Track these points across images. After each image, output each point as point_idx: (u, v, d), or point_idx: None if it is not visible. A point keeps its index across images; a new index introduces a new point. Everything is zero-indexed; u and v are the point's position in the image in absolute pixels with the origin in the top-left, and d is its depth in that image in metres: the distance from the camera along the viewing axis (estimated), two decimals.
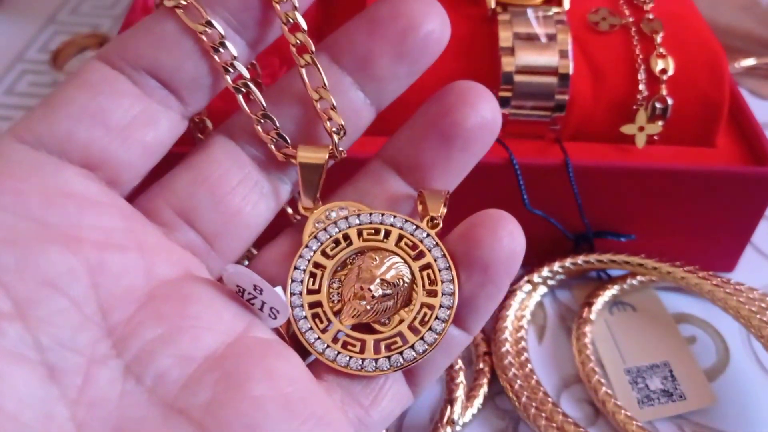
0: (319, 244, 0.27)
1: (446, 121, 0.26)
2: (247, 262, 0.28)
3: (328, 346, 0.26)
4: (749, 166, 0.41)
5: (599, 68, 0.40)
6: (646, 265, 0.41)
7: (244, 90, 0.26)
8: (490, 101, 0.26)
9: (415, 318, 0.26)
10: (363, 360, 0.25)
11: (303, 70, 0.26)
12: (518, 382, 0.37)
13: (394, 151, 0.28)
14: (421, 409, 0.37)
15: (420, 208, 0.27)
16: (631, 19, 0.41)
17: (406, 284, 0.26)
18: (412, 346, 0.25)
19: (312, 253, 0.26)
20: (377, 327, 0.26)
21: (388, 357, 0.25)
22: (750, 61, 0.59)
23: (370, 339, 0.26)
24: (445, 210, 0.27)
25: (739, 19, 0.65)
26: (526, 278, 0.42)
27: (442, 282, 0.26)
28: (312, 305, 0.26)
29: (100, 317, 0.22)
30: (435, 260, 0.26)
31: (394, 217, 0.27)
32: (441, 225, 0.27)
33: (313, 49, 0.25)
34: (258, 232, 0.27)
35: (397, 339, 0.26)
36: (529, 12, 0.40)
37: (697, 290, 0.40)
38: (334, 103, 0.26)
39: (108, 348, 0.22)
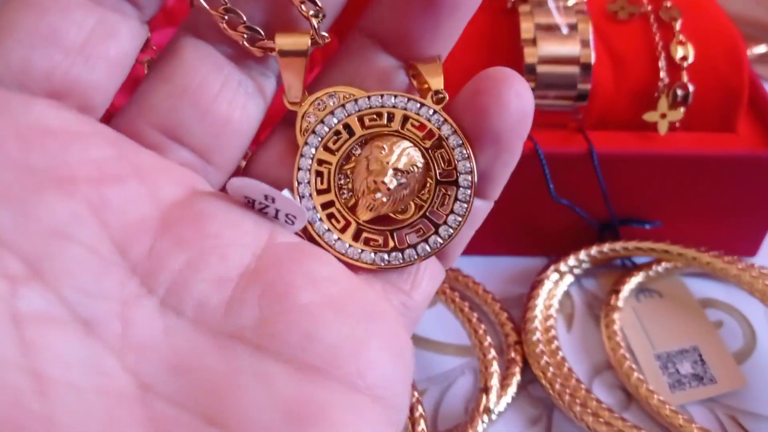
0: (320, 138, 0.25)
1: None
2: (244, 163, 0.26)
3: (350, 246, 0.24)
4: None
5: (620, 57, 0.41)
6: (671, 251, 0.41)
7: None
8: None
9: (434, 202, 0.25)
10: (388, 254, 0.24)
11: None
12: (551, 369, 0.37)
13: (375, 22, 0.25)
14: (455, 399, 0.38)
15: (415, 82, 0.25)
16: (649, 8, 0.42)
17: (419, 169, 0.25)
18: (437, 232, 0.25)
19: (314, 150, 0.25)
20: (396, 216, 0.25)
21: (414, 246, 0.25)
22: (762, 48, 0.59)
23: (392, 230, 0.25)
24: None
25: (748, 6, 0.65)
26: (552, 267, 0.42)
27: (457, 161, 0.24)
28: (325, 205, 0.25)
29: (119, 256, 0.21)
30: (446, 138, 0.24)
31: (395, 97, 0.25)
32: (447, 98, 0.24)
33: None
34: (251, 137, 0.25)
35: (420, 227, 0.25)
36: (550, 2, 0.40)
37: (723, 275, 0.40)
38: None
39: (137, 286, 0.21)
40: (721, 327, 0.41)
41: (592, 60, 0.39)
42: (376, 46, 0.25)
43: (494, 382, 0.36)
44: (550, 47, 0.39)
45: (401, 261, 0.24)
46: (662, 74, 0.40)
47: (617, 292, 0.41)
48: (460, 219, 0.25)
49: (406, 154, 0.24)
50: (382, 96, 0.25)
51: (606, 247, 0.42)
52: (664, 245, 0.42)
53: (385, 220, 0.25)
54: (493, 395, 0.36)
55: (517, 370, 0.38)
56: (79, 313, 0.20)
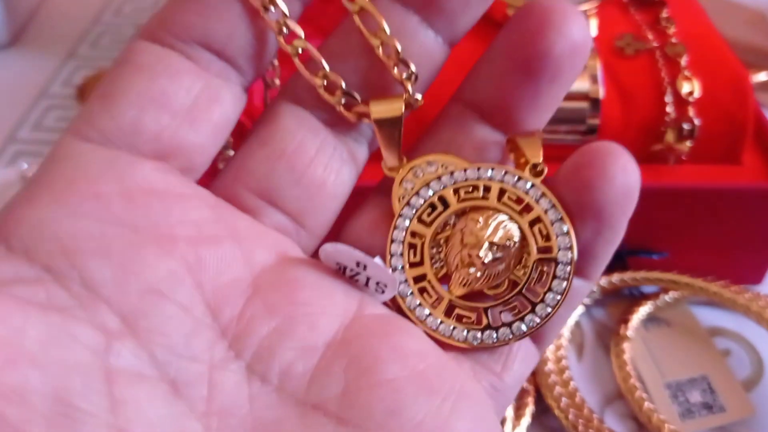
0: (414, 210, 0.24)
1: (530, 50, 0.22)
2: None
3: (441, 322, 0.24)
4: None
5: (628, 92, 0.42)
6: (679, 281, 0.42)
7: (300, 51, 0.24)
8: (578, 20, 0.22)
9: (531, 279, 0.24)
10: (481, 332, 0.23)
11: (356, 17, 0.23)
12: (564, 400, 0.38)
13: (473, 91, 0.24)
14: None
15: (512, 156, 0.25)
16: (655, 44, 0.43)
17: (516, 244, 0.24)
18: (533, 311, 0.23)
19: (408, 222, 0.24)
20: (490, 292, 0.24)
21: (509, 325, 0.23)
22: (763, 76, 0.60)
23: (485, 307, 0.24)
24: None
25: (746, 33, 0.66)
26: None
27: (557, 236, 0.23)
28: (417, 279, 0.24)
29: (211, 318, 0.21)
30: (545, 212, 0.23)
31: (492, 169, 0.24)
32: (546, 171, 0.24)
33: None
34: (343, 201, 0.25)
35: (516, 304, 0.24)
36: None
37: (731, 304, 0.41)
38: (399, 47, 0.23)
39: (225, 350, 0.21)
40: (728, 355, 0.42)
41: (601, 95, 0.40)
42: (473, 116, 0.24)
43: (508, 413, 0.37)
44: None
45: (494, 340, 0.23)
46: (669, 109, 0.41)
47: (626, 321, 0.42)
48: (558, 297, 0.23)
49: (502, 228, 0.24)
50: (478, 169, 0.24)
51: (615, 278, 0.43)
52: (672, 275, 0.43)
53: (479, 297, 0.24)
54: (508, 426, 0.37)
55: (530, 400, 0.39)
56: (167, 372, 0.20)
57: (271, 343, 0.21)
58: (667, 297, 0.44)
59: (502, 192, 0.24)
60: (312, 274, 0.23)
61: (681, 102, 0.41)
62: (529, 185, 0.24)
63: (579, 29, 0.22)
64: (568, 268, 0.23)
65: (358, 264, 0.23)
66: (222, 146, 0.24)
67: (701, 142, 0.42)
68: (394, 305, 0.24)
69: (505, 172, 0.24)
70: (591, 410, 0.38)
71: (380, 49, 0.23)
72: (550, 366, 0.40)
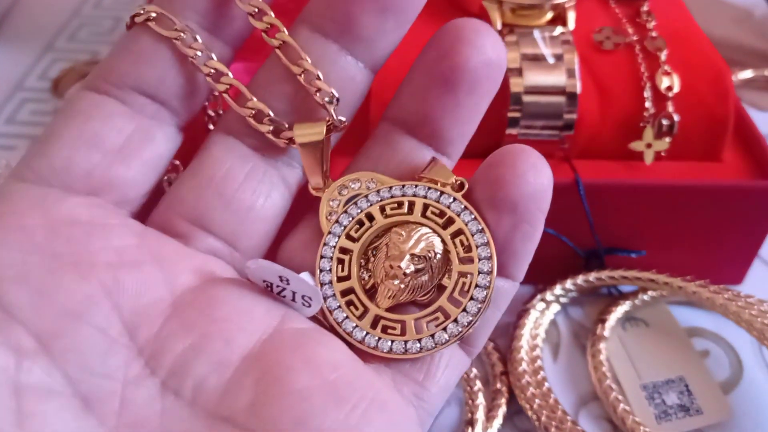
0: (342, 227, 0.25)
1: (446, 65, 0.24)
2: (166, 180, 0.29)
3: (367, 333, 0.24)
4: (755, 179, 0.41)
5: (606, 87, 0.41)
6: (657, 280, 0.41)
7: (228, 87, 0.25)
8: (490, 36, 0.24)
9: (453, 288, 0.24)
10: (405, 342, 0.24)
11: (278, 51, 0.25)
12: (537, 401, 0.37)
13: (398, 109, 0.26)
14: None
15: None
16: (635, 38, 0.42)
17: (438, 255, 0.25)
18: (455, 320, 0.24)
19: (336, 239, 0.25)
20: (416, 304, 0.25)
21: (432, 335, 0.24)
22: (747, 74, 0.60)
23: (410, 319, 0.25)
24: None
25: (733, 31, 0.66)
26: (539, 297, 0.42)
27: (477, 246, 0.24)
28: (344, 292, 0.25)
29: (128, 338, 0.22)
30: (466, 224, 0.24)
31: (416, 186, 0.25)
32: (466, 186, 0.25)
33: (283, 28, 0.25)
34: (278, 224, 0.26)
35: (438, 314, 0.24)
36: (536, 33, 0.40)
37: (709, 304, 0.40)
38: (319, 74, 0.24)
39: (141, 368, 0.22)
40: (707, 356, 0.41)
41: (578, 90, 0.39)
42: (400, 131, 0.26)
43: (480, 414, 0.36)
44: (536, 77, 0.39)
45: (418, 350, 0.24)
46: (648, 104, 0.40)
47: (603, 321, 0.41)
48: (480, 305, 0.24)
49: (424, 240, 0.25)
50: (402, 186, 0.25)
51: (592, 276, 0.42)
52: (650, 274, 0.42)
53: (405, 309, 0.25)
54: (478, 428, 0.36)
55: (503, 401, 0.38)
56: (79, 389, 0.21)
57: (186, 359, 0.22)
58: (646, 296, 0.43)
59: (425, 207, 0.25)
60: (234, 292, 0.24)
61: (660, 97, 0.41)
62: (451, 200, 0.25)
63: (492, 45, 0.24)
64: (488, 278, 0.24)
65: (281, 279, 0.23)
66: (156, 181, 0.25)
67: (680, 138, 0.41)
68: (324, 319, 0.25)
69: (429, 188, 0.25)
70: (565, 412, 0.37)
71: (302, 76, 0.25)
72: (524, 366, 0.39)
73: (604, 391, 0.38)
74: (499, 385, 0.38)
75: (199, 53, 0.24)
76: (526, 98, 0.39)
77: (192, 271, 0.24)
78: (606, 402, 0.38)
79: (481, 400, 0.37)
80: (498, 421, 0.37)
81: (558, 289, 0.42)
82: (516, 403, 0.38)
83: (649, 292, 0.43)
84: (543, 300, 0.42)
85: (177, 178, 0.26)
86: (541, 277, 0.43)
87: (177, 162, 0.32)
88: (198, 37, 0.24)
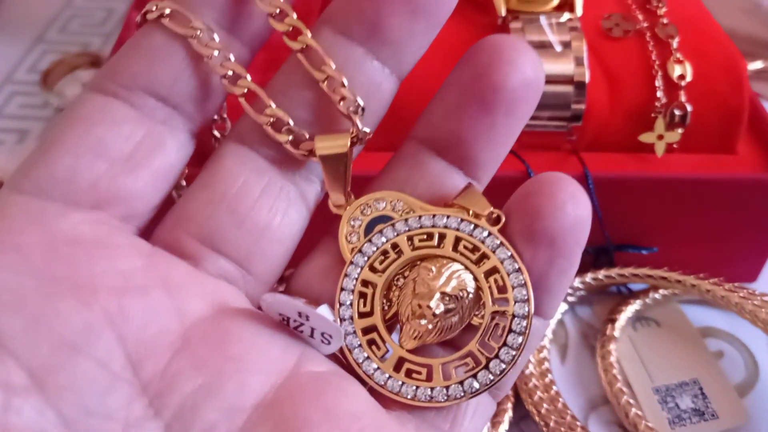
0: (366, 258, 0.23)
1: (484, 85, 0.22)
2: (283, 286, 0.26)
3: (390, 377, 0.23)
4: None
5: (615, 76, 0.39)
6: (669, 278, 0.40)
7: (246, 91, 0.23)
8: (529, 54, 0.22)
9: (486, 332, 0.23)
10: (431, 389, 0.22)
11: (300, 55, 0.23)
12: (544, 405, 0.35)
13: (428, 128, 0.24)
14: None
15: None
16: (645, 24, 0.40)
17: (470, 295, 0.23)
18: (487, 367, 0.22)
19: (359, 270, 0.23)
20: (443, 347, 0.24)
21: (461, 382, 0.22)
22: (758, 65, 0.58)
23: (437, 363, 0.23)
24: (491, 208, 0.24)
25: (740, 21, 0.64)
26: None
27: (513, 287, 0.22)
28: (366, 330, 0.23)
29: (131, 373, 0.20)
30: (501, 263, 0.23)
31: (448, 217, 0.23)
32: (503, 219, 0.23)
33: (306, 30, 0.23)
34: (294, 243, 0.24)
35: (469, 360, 0.23)
36: (542, 19, 0.38)
37: (724, 303, 0.38)
38: (344, 81, 0.23)
39: (144, 407, 0.20)
40: (721, 357, 0.40)
41: (587, 79, 0.37)
42: (429, 152, 0.24)
43: None
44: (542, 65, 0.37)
45: (446, 398, 0.22)
46: (659, 94, 0.39)
47: (613, 321, 0.40)
48: (514, 353, 0.22)
49: (455, 278, 0.23)
50: (433, 216, 0.23)
51: (601, 274, 0.41)
52: (662, 272, 0.40)
53: (431, 350, 0.23)
54: None
55: (509, 405, 0.36)
56: (76, 431, 0.19)
57: (194, 402, 0.20)
58: (657, 295, 0.41)
59: (457, 240, 0.23)
60: (249, 327, 0.22)
61: (672, 86, 0.39)
62: (485, 234, 0.23)
63: (531, 64, 0.22)
64: (524, 322, 0.22)
65: (300, 314, 0.22)
66: (167, 193, 0.23)
67: (693, 129, 0.39)
68: (343, 357, 0.23)
69: (462, 220, 0.23)
70: (574, 417, 0.35)
71: (325, 83, 0.23)
72: (530, 369, 0.37)
73: (615, 394, 0.37)
74: None
75: (216, 53, 0.22)
76: None
77: (203, 299, 0.22)
78: (617, 406, 0.36)
79: (494, 407, 0.35)
80: (504, 427, 0.35)
81: None
82: (522, 408, 0.36)
83: (661, 291, 0.41)
84: None
85: (185, 192, 0.24)
86: None
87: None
88: (215, 35, 0.22)
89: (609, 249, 0.40)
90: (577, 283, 0.40)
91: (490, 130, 0.23)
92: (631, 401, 0.36)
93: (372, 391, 0.23)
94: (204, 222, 0.23)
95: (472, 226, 0.23)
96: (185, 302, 0.21)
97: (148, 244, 0.22)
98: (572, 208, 0.22)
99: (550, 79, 0.38)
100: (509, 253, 0.23)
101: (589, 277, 0.41)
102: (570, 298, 0.41)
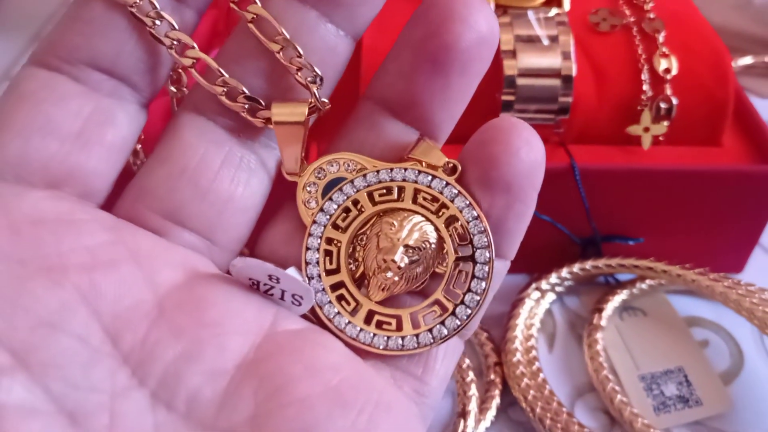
0: (328, 216, 0.24)
1: (436, 44, 0.22)
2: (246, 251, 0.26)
3: (361, 330, 0.23)
4: (756, 164, 0.40)
5: (602, 69, 0.40)
6: (655, 268, 0.40)
7: (195, 60, 0.23)
8: (482, 9, 0.22)
9: (450, 279, 0.23)
10: (402, 338, 0.23)
11: (251, 26, 0.22)
12: (531, 392, 0.36)
13: (383, 89, 0.24)
14: (432, 424, 0.36)
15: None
16: (632, 19, 0.41)
17: (433, 245, 0.23)
18: (453, 313, 0.23)
19: (322, 228, 0.24)
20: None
21: (430, 330, 0.23)
22: (747, 60, 0.59)
23: (406, 313, 0.23)
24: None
25: (732, 18, 0.64)
26: (534, 285, 0.41)
27: (473, 235, 0.23)
28: (334, 287, 0.23)
29: (111, 345, 0.20)
30: (460, 211, 0.23)
31: (405, 170, 0.23)
32: (459, 168, 0.23)
33: None
34: (258, 211, 0.24)
35: (436, 308, 0.23)
36: (530, 14, 0.39)
37: (709, 293, 0.39)
38: (300, 51, 0.22)
39: (128, 377, 0.20)
40: (707, 346, 0.40)
41: (574, 72, 0.38)
42: (384, 113, 0.24)
43: (472, 406, 0.35)
44: (530, 59, 0.38)
45: (416, 345, 0.23)
46: (645, 87, 0.39)
47: (600, 310, 0.40)
48: (478, 298, 0.23)
49: (417, 230, 0.23)
50: (391, 170, 0.24)
51: (588, 264, 0.41)
52: (648, 262, 0.41)
53: (399, 299, 0.24)
54: (471, 420, 0.35)
55: (497, 392, 0.37)
56: (64, 405, 0.19)
57: (177, 368, 0.20)
58: (644, 285, 0.42)
59: (416, 192, 0.23)
60: (223, 291, 0.22)
61: (658, 80, 0.39)
62: (443, 184, 0.23)
63: (485, 19, 0.22)
64: (486, 268, 0.23)
65: (270, 278, 0.22)
66: (121, 167, 0.23)
67: (679, 121, 0.40)
68: (314, 315, 0.24)
69: (419, 172, 0.23)
70: (560, 403, 0.36)
71: (281, 53, 0.22)
72: (518, 357, 0.38)
73: (601, 381, 0.37)
74: (492, 376, 0.37)
75: (158, 22, 0.22)
76: (520, 81, 0.38)
77: (174, 268, 0.22)
78: (603, 393, 0.37)
79: (473, 391, 0.36)
80: (491, 413, 0.36)
81: (554, 278, 0.41)
82: (510, 395, 0.37)
83: (647, 281, 0.42)
84: (538, 289, 0.41)
85: (144, 165, 0.24)
86: (536, 265, 0.42)
87: (138, 147, 0.30)
88: (156, 2, 0.22)
89: (596, 240, 0.41)
90: (564, 273, 0.41)
91: (445, 91, 0.23)
92: (617, 388, 0.37)
93: (346, 345, 0.23)
94: (166, 197, 0.23)
95: (429, 177, 0.23)
96: (156, 272, 0.22)
97: (112, 217, 0.22)
98: (526, 153, 0.22)
99: (538, 73, 0.38)
100: (467, 202, 0.23)
101: (576, 268, 0.41)
102: (558, 288, 0.42)
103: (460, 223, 0.23)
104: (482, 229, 0.23)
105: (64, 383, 0.19)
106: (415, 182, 0.23)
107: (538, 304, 0.41)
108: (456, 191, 0.23)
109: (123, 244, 0.22)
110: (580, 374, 0.39)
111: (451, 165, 0.23)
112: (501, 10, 0.40)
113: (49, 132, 0.21)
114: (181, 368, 0.20)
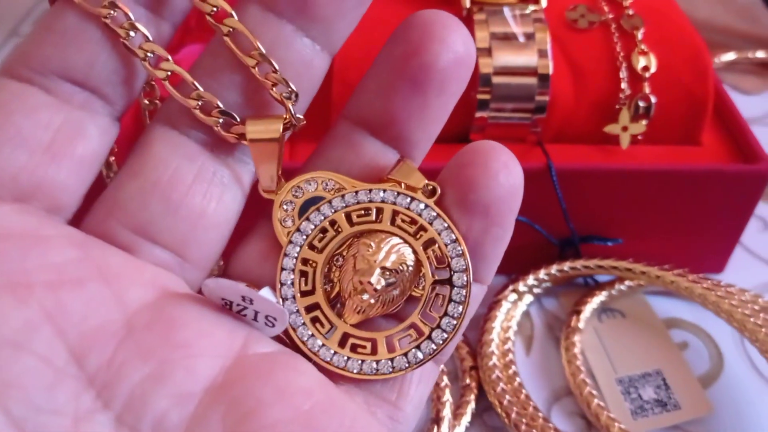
0: (305, 237, 0.23)
1: (415, 64, 0.22)
2: (221, 263, 0.25)
3: (335, 353, 0.23)
4: (736, 163, 0.40)
5: (580, 67, 0.39)
6: (634, 269, 0.40)
7: (169, 73, 0.22)
8: (459, 30, 0.22)
9: (426, 303, 0.23)
10: (377, 362, 0.23)
11: (227, 39, 0.22)
12: (507, 397, 0.35)
13: (361, 108, 0.24)
14: None
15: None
16: (610, 16, 0.40)
17: (410, 268, 0.23)
18: (429, 337, 0.23)
19: (298, 249, 0.23)
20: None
21: (405, 354, 0.23)
22: (730, 56, 0.58)
23: (381, 336, 0.23)
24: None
25: (716, 13, 0.64)
26: (511, 287, 0.40)
27: (451, 258, 0.23)
28: (309, 308, 0.23)
29: (75, 366, 0.19)
30: (439, 234, 0.23)
31: (384, 191, 0.23)
32: (438, 191, 0.23)
33: (232, 11, 0.22)
34: (231, 227, 0.24)
35: (411, 331, 0.23)
36: (506, 11, 0.38)
37: (688, 294, 0.38)
38: (275, 65, 0.22)
39: (92, 400, 0.19)
40: (686, 348, 0.40)
41: (550, 70, 0.37)
42: (362, 132, 0.24)
43: (446, 412, 0.34)
44: (506, 57, 0.37)
45: (391, 370, 0.23)
46: (624, 85, 0.39)
47: (578, 312, 0.40)
48: (454, 323, 0.23)
49: (395, 252, 0.23)
50: (370, 191, 0.23)
51: (566, 266, 0.40)
52: (627, 263, 0.40)
53: (375, 322, 0.23)
54: (444, 427, 0.34)
55: (472, 397, 0.36)
56: (24, 428, 0.18)
57: (143, 391, 0.20)
58: (623, 286, 0.41)
59: (395, 214, 0.23)
60: (193, 311, 0.21)
61: (636, 78, 0.39)
62: (422, 206, 0.23)
63: (462, 40, 0.22)
64: (464, 291, 0.23)
65: (244, 298, 0.21)
66: (91, 182, 0.22)
67: (658, 121, 0.39)
68: (287, 336, 0.23)
69: (398, 194, 0.23)
70: (536, 408, 0.35)
71: (256, 68, 0.22)
72: (494, 361, 0.37)
73: (578, 385, 0.37)
74: (468, 381, 0.37)
75: (133, 33, 0.21)
76: (496, 79, 0.37)
77: (143, 287, 0.21)
78: (580, 397, 0.36)
79: (448, 396, 0.35)
80: (466, 419, 0.35)
81: (531, 280, 0.40)
82: (486, 399, 0.36)
83: (626, 282, 0.41)
84: (515, 291, 0.40)
85: (114, 179, 0.23)
86: (513, 266, 0.41)
87: (111, 159, 0.29)
88: (130, 13, 0.21)
89: (574, 241, 0.40)
90: (542, 274, 0.40)
91: (423, 110, 0.23)
92: (594, 392, 0.36)
93: (318, 368, 0.23)
94: (137, 212, 0.22)
95: (408, 199, 0.23)
96: (125, 291, 0.21)
97: (80, 233, 0.22)
98: (505, 177, 0.22)
99: (514, 71, 0.37)
100: (446, 225, 0.23)
101: (554, 269, 0.41)
102: (535, 290, 0.41)
103: (438, 245, 0.23)
104: (460, 252, 0.23)
105: (25, 406, 0.19)
106: (394, 204, 0.23)
107: (516, 307, 0.40)
108: (435, 214, 0.23)
109: (91, 261, 0.21)
110: (558, 378, 0.38)
111: (430, 187, 0.23)
112: (477, 6, 0.39)
113: (19, 144, 0.21)
114: (148, 391, 0.20)
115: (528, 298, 0.41)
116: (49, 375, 0.19)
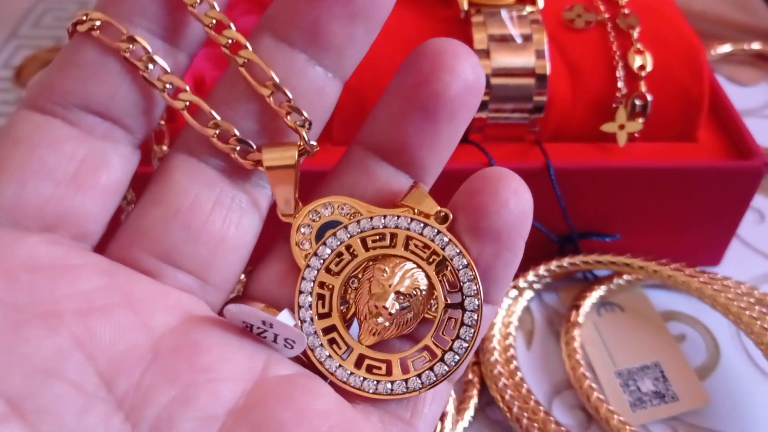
0: (321, 261, 0.24)
1: (426, 93, 0.23)
2: (240, 287, 0.26)
3: (351, 373, 0.24)
4: (732, 159, 0.40)
5: (577, 67, 0.40)
6: (632, 264, 0.41)
7: (187, 103, 0.23)
8: (469, 59, 0.23)
9: (439, 326, 0.24)
10: (392, 383, 0.24)
11: (243, 70, 0.23)
12: (509, 391, 0.36)
13: (374, 134, 0.25)
14: None
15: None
16: (606, 15, 0.41)
17: (423, 292, 0.24)
18: (442, 359, 0.24)
19: (315, 272, 0.24)
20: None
21: (419, 375, 0.24)
22: (726, 48, 0.58)
23: (395, 358, 0.24)
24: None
25: (712, 4, 0.64)
26: (512, 283, 0.41)
27: (463, 283, 0.24)
28: (326, 330, 0.24)
29: (105, 390, 0.20)
30: (451, 259, 0.24)
31: (398, 217, 0.24)
32: (451, 217, 0.24)
33: (247, 43, 0.23)
34: (250, 250, 0.25)
35: (425, 354, 0.24)
36: (503, 12, 0.39)
37: (685, 288, 0.39)
38: (290, 95, 0.23)
39: (121, 422, 0.20)
40: (683, 340, 0.41)
41: (548, 71, 0.38)
42: (375, 158, 0.25)
43: (449, 407, 0.35)
44: (503, 59, 0.38)
45: (405, 390, 0.24)
46: (620, 84, 0.39)
47: (578, 307, 0.41)
48: (466, 345, 0.24)
49: (409, 277, 0.24)
50: (384, 216, 0.24)
51: (566, 261, 0.41)
52: (625, 258, 0.41)
53: (389, 343, 0.25)
54: (448, 422, 0.35)
55: (475, 392, 0.37)
56: None
57: (170, 414, 0.21)
58: (621, 280, 0.42)
59: (408, 239, 0.24)
60: (216, 335, 0.22)
61: (633, 77, 0.39)
62: (435, 232, 0.24)
63: (472, 69, 0.23)
64: (475, 315, 0.24)
65: (264, 322, 0.22)
66: (115, 209, 0.24)
67: (654, 119, 0.40)
68: (305, 357, 0.24)
69: (411, 220, 0.24)
70: (537, 402, 0.36)
71: (271, 98, 0.23)
72: (496, 356, 0.38)
73: (578, 379, 0.37)
74: (470, 376, 0.37)
75: (151, 66, 0.22)
76: (495, 81, 0.38)
77: (168, 311, 0.22)
78: (579, 390, 0.37)
79: (451, 392, 0.36)
80: (469, 413, 0.36)
81: (531, 276, 0.41)
82: (488, 394, 0.37)
83: (625, 276, 0.42)
84: (516, 287, 0.41)
85: (137, 206, 0.24)
86: None
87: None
88: (148, 47, 0.22)
89: (573, 237, 0.41)
90: (542, 270, 0.41)
91: (434, 137, 0.24)
92: (594, 385, 0.37)
93: (335, 387, 0.24)
94: (160, 239, 0.23)
95: (422, 225, 0.24)
96: (150, 316, 0.22)
97: (106, 260, 0.23)
98: (515, 204, 0.23)
99: (512, 72, 0.38)
100: (458, 250, 0.24)
101: (554, 265, 0.41)
102: (536, 286, 0.42)
103: (450, 270, 0.24)
104: (472, 277, 0.23)
105: (59, 430, 0.19)
106: (408, 229, 0.24)
107: (516, 302, 0.41)
108: (447, 239, 0.24)
109: (117, 288, 0.22)
110: (558, 372, 0.39)
111: (443, 214, 0.24)
112: (474, 8, 0.39)
113: (44, 176, 0.22)
114: (174, 413, 0.21)
115: (528, 294, 0.42)
116: (80, 399, 0.20)
